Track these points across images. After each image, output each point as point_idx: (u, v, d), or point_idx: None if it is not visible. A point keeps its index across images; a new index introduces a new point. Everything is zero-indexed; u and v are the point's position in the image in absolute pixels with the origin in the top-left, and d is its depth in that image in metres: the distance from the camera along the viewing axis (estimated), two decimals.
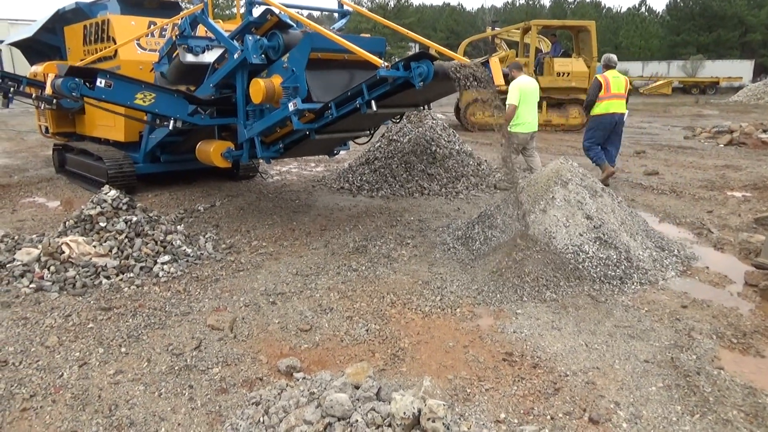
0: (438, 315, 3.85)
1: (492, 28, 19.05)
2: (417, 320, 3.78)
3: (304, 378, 2.93)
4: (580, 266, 4.35)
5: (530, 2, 73.35)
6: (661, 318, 3.78)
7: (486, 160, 8.60)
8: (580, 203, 4.82)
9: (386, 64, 4.25)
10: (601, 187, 5.13)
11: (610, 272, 4.37)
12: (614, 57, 8.05)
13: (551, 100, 14.85)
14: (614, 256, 4.49)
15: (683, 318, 3.77)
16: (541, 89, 14.69)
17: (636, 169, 9.32)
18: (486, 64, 4.53)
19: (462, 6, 76.18)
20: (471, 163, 8.12)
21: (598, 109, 7.80)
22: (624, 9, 69.65)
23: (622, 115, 7.81)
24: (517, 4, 73.02)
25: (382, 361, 3.26)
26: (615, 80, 7.70)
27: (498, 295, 4.07)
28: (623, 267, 4.44)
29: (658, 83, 34.00)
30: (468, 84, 4.24)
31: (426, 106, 6.14)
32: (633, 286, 4.27)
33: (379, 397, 2.58)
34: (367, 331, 3.60)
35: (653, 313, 3.86)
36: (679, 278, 4.52)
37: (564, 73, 14.66)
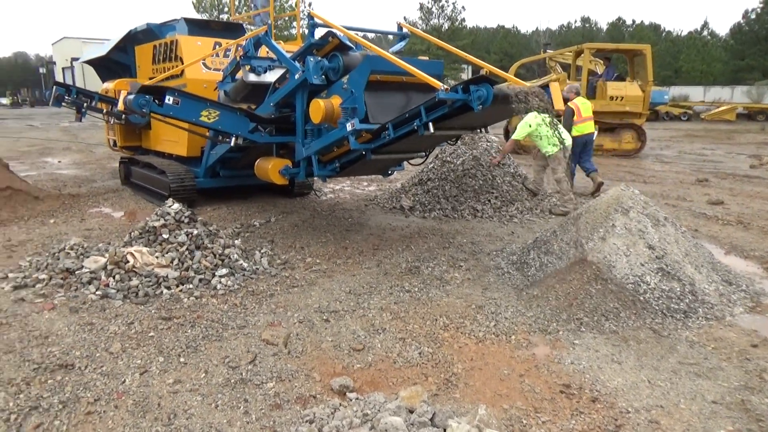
0: (492, 341, 3.79)
1: (544, 51, 18.90)
2: (470, 345, 3.72)
3: (357, 398, 2.92)
4: (642, 298, 4.20)
5: (586, 25, 72.47)
6: (730, 357, 3.59)
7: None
8: (641, 232, 4.67)
9: (445, 86, 4.26)
10: (663, 216, 4.96)
11: (673, 305, 4.20)
12: (578, 85, 10.07)
13: (603, 124, 14.55)
14: (678, 289, 4.31)
15: (753, 358, 3.57)
16: (593, 113, 14.50)
17: (699, 197, 8.97)
18: (546, 87, 4.49)
19: (516, 28, 75.98)
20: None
21: (575, 131, 8.60)
22: (685, 32, 67.76)
23: (592, 134, 8.95)
24: (573, 27, 72.29)
25: (435, 386, 3.22)
26: (584, 105, 8.83)
27: (554, 324, 3.97)
28: (687, 300, 4.25)
29: (720, 109, 32.75)
30: (528, 108, 4.21)
31: (482, 129, 6.11)
32: (698, 321, 4.09)
33: (434, 423, 2.55)
34: (419, 354, 3.57)
35: (720, 351, 3.67)
36: (748, 315, 4.30)
37: (617, 97, 14.38)
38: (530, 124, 7.35)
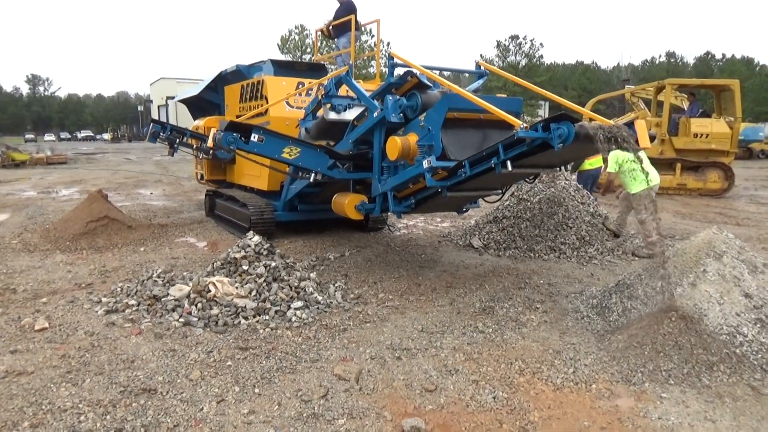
0: (571, 389, 3.61)
1: (622, 86, 18.40)
2: (547, 392, 3.56)
3: None
4: (738, 350, 3.88)
5: (671, 60, 70.01)
6: None
7: None
8: (737, 279, 4.35)
9: (525, 124, 4.21)
10: (762, 262, 4.60)
11: None
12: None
13: (686, 162, 13.86)
14: None
15: None
16: (676, 150, 13.86)
17: None
18: (631, 125, 4.33)
19: (596, 64, 74.57)
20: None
21: (586, 165, 9.24)
22: None
23: (599, 169, 9.29)
24: (657, 62, 69.98)
25: None
26: None
27: (639, 375, 3.73)
28: None
29: None
30: (612, 147, 4.07)
31: (561, 167, 5.98)
32: None
33: None
34: (494, 398, 3.46)
35: None
36: None
37: (702, 135, 13.72)
38: (618, 158, 7.10)
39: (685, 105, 15.58)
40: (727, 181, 13.88)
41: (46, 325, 4.45)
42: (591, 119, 5.22)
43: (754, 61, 66.20)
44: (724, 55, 68.28)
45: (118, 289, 5.36)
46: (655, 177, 7.19)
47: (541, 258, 7.08)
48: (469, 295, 5.48)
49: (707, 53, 67.98)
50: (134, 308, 4.82)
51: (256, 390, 3.51)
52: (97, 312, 4.79)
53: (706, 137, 13.77)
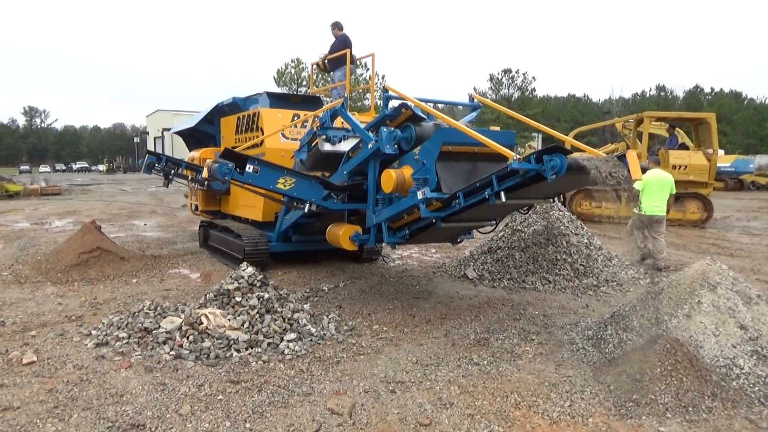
0: (567, 423, 3.55)
1: (604, 119, 18.79)
2: (544, 426, 3.51)
3: None
4: (735, 383, 3.85)
5: (661, 93, 71.23)
6: None
7: (616, 255, 8.13)
8: (731, 310, 4.34)
9: (518, 156, 4.26)
10: (756, 294, 4.60)
11: None
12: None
13: None
14: None
15: None
16: None
17: None
18: (622, 157, 4.38)
19: (588, 97, 75.83)
20: (600, 257, 7.72)
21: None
22: None
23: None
24: (648, 95, 71.18)
25: None
26: None
27: (637, 409, 3.68)
28: None
29: None
30: (604, 180, 4.11)
31: (555, 198, 6.01)
32: None
33: None
34: None
35: None
36: None
37: (680, 166, 13.98)
38: (648, 179, 7.82)
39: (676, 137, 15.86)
40: (706, 212, 14.07)
41: (34, 358, 4.38)
42: (572, 146, 5.33)
43: (743, 95, 67.43)
44: (713, 89, 69.57)
45: (109, 322, 5.28)
46: (647, 206, 7.58)
47: (536, 289, 7.06)
48: (464, 327, 5.43)
49: (696, 87, 69.29)
50: (125, 341, 4.75)
51: (248, 425, 3.44)
52: (86, 345, 4.72)
53: (685, 169, 14.04)
